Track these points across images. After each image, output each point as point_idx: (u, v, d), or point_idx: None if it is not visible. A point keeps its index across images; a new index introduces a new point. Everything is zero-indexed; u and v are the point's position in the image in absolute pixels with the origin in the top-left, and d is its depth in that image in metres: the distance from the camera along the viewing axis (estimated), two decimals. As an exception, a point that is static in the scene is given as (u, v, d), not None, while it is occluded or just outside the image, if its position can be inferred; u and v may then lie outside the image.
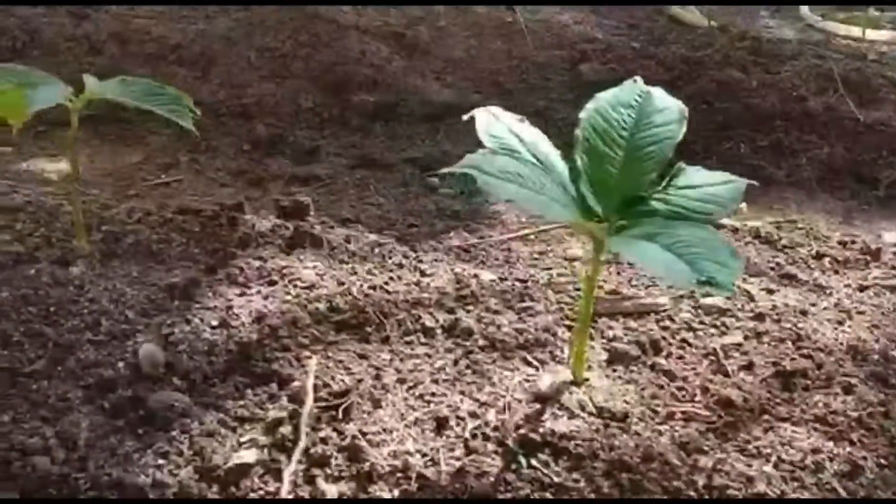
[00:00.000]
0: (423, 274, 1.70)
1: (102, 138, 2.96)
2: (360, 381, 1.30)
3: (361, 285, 1.54)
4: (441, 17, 3.40)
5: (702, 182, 1.28)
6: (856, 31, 3.77)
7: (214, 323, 1.38)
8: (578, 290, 1.70)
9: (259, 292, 1.49)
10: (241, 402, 1.26)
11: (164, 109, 1.56)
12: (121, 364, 1.29)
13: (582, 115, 1.36)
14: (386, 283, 1.57)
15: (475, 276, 1.75)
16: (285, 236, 1.66)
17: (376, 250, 1.76)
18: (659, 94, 1.39)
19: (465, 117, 1.44)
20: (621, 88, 1.42)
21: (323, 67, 3.17)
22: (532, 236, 2.34)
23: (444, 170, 1.21)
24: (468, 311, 1.54)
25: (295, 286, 1.50)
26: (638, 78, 1.45)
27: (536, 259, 2.14)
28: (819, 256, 2.15)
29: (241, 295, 1.48)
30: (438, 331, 1.47)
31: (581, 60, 3.30)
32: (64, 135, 2.97)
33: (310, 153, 2.95)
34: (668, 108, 1.34)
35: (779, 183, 2.87)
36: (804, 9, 4.46)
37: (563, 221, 1.26)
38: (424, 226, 2.38)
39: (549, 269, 1.99)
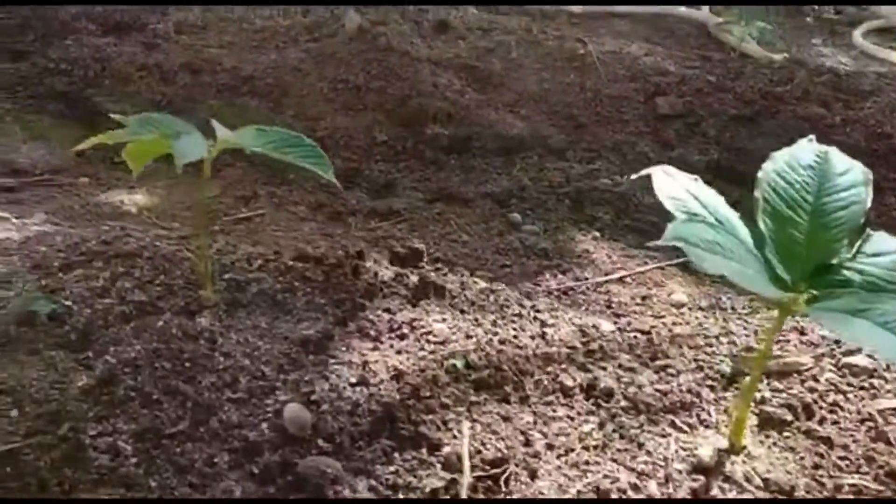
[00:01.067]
0: (543, 324, 1.65)
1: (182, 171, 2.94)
2: (510, 447, 1.25)
3: (490, 339, 1.50)
4: (512, 48, 3.37)
5: (891, 249, 1.22)
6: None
7: (353, 380, 1.33)
8: (710, 345, 1.65)
9: (392, 346, 1.44)
10: (392, 468, 1.21)
11: (304, 161, 1.52)
12: (265, 425, 1.25)
13: (760, 175, 1.30)
14: (515, 337, 1.52)
15: (594, 326, 1.70)
16: (409, 285, 1.62)
17: (491, 297, 1.71)
18: (837, 155, 1.33)
19: (633, 176, 1.40)
20: (798, 147, 1.36)
21: (396, 100, 3.15)
22: (629, 278, 2.30)
23: (652, 243, 1.14)
24: (603, 369, 1.49)
25: (428, 341, 1.45)
26: (812, 137, 1.39)
27: (641, 304, 2.08)
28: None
29: (375, 349, 1.43)
30: (577, 390, 1.42)
31: (655, 93, 3.26)
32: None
33: (386, 187, 2.92)
34: (851, 170, 1.29)
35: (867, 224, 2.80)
36: (857, 36, 4.41)
37: (757, 291, 1.19)
38: (516, 265, 2.34)
39: (662, 317, 1.93)
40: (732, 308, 2.07)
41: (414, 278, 1.65)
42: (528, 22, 3.84)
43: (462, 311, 1.60)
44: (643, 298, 2.12)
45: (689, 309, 2.05)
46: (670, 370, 1.51)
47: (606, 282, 2.25)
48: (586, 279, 2.23)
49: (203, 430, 1.24)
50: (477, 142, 3.06)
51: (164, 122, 1.52)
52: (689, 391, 1.44)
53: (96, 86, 3.25)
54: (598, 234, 2.55)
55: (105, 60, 3.32)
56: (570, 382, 1.43)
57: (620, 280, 2.27)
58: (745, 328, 1.85)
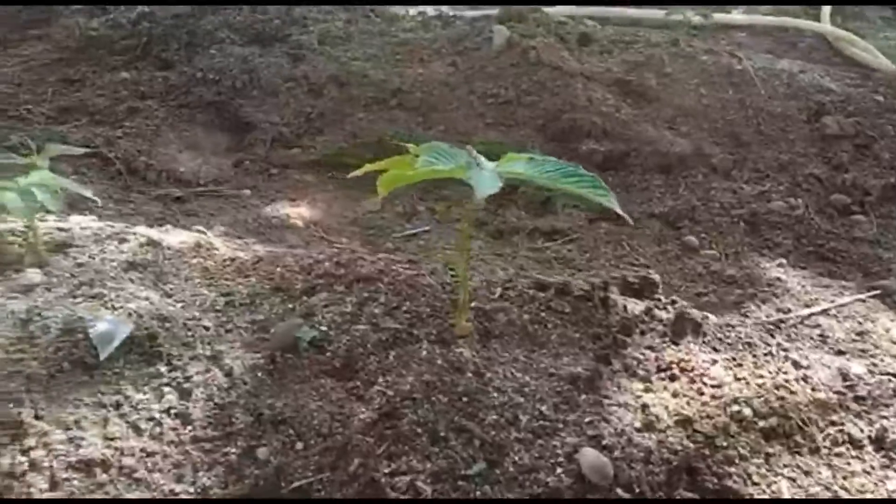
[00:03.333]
0: (797, 365, 1.54)
1: (335, 184, 2.92)
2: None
3: (764, 383, 1.40)
4: (665, 63, 3.27)
5: None
6: None
7: (638, 424, 1.26)
8: None
9: (665, 388, 1.36)
10: (702, 523, 1.13)
11: (585, 191, 1.45)
12: (559, 470, 1.18)
13: None
14: (786, 382, 1.42)
15: (846, 368, 1.58)
16: (663, 320, 1.54)
17: (732, 334, 1.61)
18: None
19: None
20: None
21: (549, 115, 3.07)
22: (833, 310, 2.17)
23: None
24: (884, 418, 1.38)
25: (704, 384, 1.36)
26: None
27: (861, 341, 1.95)
28: None
29: (647, 391, 1.35)
30: (866, 441, 1.32)
31: (820, 112, 3.11)
32: (296, 177, 2.98)
33: (543, 204, 2.84)
34: None
35: None
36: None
37: None
38: (711, 294, 2.23)
39: (900, 357, 1.80)
40: None
41: (666, 313, 1.56)
42: (669, 34, 3.72)
43: (715, 350, 1.51)
44: (859, 334, 1.98)
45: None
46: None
47: (811, 315, 2.13)
48: (788, 310, 2.11)
49: (499, 472, 1.17)
50: (635, 158, 2.96)
51: (451, 153, 1.45)
52: None
53: (244, 96, 3.26)
54: (782, 260, 2.43)
55: (252, 71, 3.33)
56: (857, 433, 1.32)
57: (825, 312, 2.15)
58: None
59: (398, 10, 3.89)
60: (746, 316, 2.04)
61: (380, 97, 3.22)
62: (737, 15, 4.91)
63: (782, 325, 2.04)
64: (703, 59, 3.32)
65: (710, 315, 1.71)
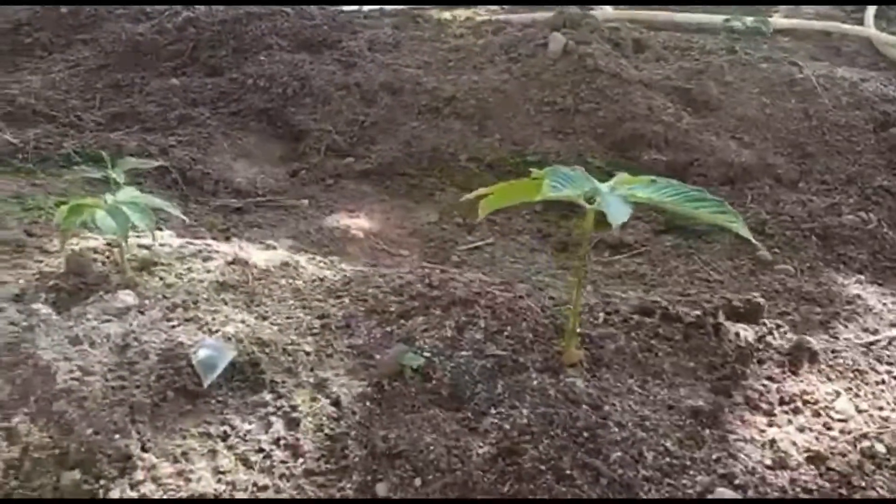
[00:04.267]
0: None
1: (391, 194, 2.87)
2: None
3: (887, 416, 1.34)
4: (725, 71, 3.20)
5: None
6: None
7: (768, 462, 1.20)
8: None
9: (790, 422, 1.30)
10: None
11: (713, 216, 1.38)
12: (697, 510, 1.13)
13: None
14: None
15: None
16: (778, 348, 1.48)
17: (839, 360, 1.55)
18: None
19: None
20: None
21: (608, 123, 3.01)
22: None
23: None
24: None
25: (830, 417, 1.31)
26: None
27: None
28: None
29: (772, 425, 1.30)
30: None
31: (887, 123, 3.03)
32: (352, 187, 2.93)
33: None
34: None
35: None
36: None
37: None
38: (793, 313, 2.16)
39: None
40: None
41: (781, 340, 1.50)
42: (723, 40, 3.66)
43: (829, 378, 1.45)
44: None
45: None
46: None
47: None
48: (876, 331, 2.04)
49: (633, 513, 1.12)
50: (698, 168, 2.89)
51: (573, 177, 1.40)
52: None
53: (296, 104, 3.21)
54: (860, 276, 2.36)
55: (303, 78, 3.29)
56: None
57: (917, 333, 2.08)
58: None
59: (446, 15, 3.84)
60: (836, 337, 1.97)
61: (433, 105, 3.17)
62: (783, 19, 4.84)
63: (874, 347, 1.97)
64: (762, 67, 3.25)
65: (811, 339, 1.64)
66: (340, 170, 2.94)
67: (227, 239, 2.21)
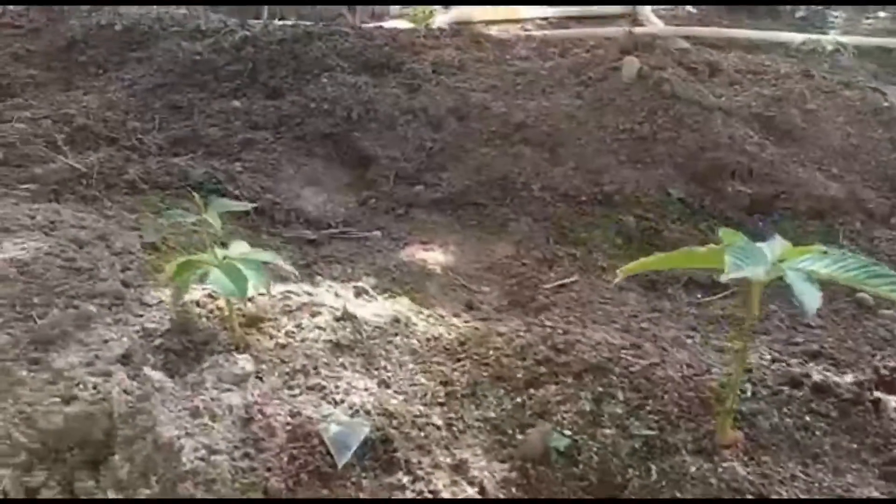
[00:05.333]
0: None
1: (463, 224, 2.77)
2: None
3: None
4: (807, 99, 3.08)
5: None
6: None
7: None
8: None
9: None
10: None
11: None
12: None
13: None
14: None
15: None
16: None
17: None
18: None
19: None
20: None
21: (689, 153, 2.90)
22: None
23: None
24: None
25: None
26: None
27: None
28: None
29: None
30: None
31: (980, 154, 2.91)
32: (423, 217, 2.84)
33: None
34: None
35: None
36: None
37: None
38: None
39: None
40: None
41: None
42: (797, 64, 3.54)
43: None
44: None
45: None
46: None
47: None
48: None
49: None
50: (785, 202, 2.78)
51: (750, 251, 1.27)
52: None
53: (361, 129, 3.12)
54: (971, 323, 2.23)
55: (367, 102, 3.20)
56: None
57: None
58: None
59: (508, 36, 3.75)
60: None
61: (502, 131, 3.07)
62: (843, 37, 4.71)
63: None
64: (845, 95, 3.13)
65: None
66: (410, 199, 2.84)
67: (311, 277, 2.13)
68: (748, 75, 3.37)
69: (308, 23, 3.75)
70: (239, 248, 1.45)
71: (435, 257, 2.53)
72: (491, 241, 2.71)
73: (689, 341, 1.95)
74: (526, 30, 4.94)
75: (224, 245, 1.53)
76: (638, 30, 3.47)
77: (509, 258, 2.58)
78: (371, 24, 3.77)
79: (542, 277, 2.45)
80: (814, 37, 4.15)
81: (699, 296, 2.42)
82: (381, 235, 2.63)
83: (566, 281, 2.43)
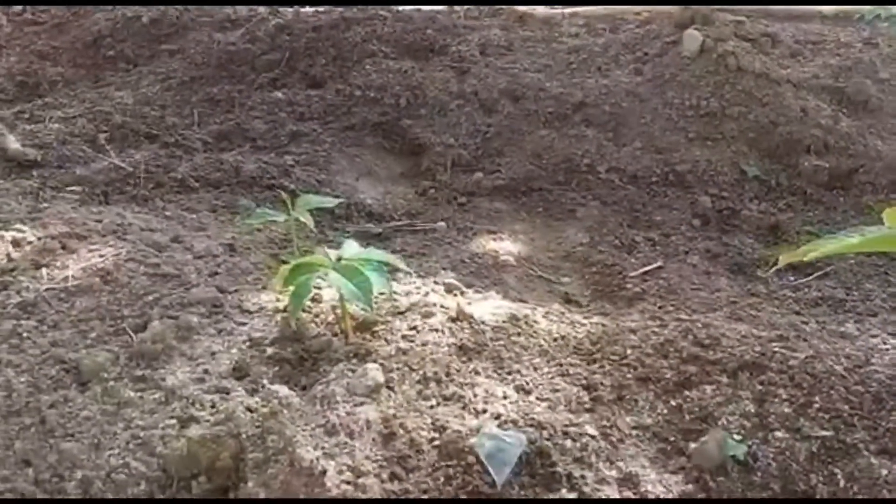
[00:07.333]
0: None
1: (529, 211, 2.64)
2: None
3: None
4: (879, 68, 2.94)
5: None
6: None
7: None
8: None
9: None
10: None
11: None
12: None
13: None
14: None
15: None
16: None
17: None
18: None
19: None
20: None
21: (760, 128, 2.77)
22: None
23: None
24: None
25: None
26: None
27: None
28: None
29: None
30: None
31: None
32: (486, 205, 2.71)
33: (772, 230, 2.54)
34: None
35: None
36: None
37: None
38: None
39: None
40: None
41: None
42: (856, 32, 3.40)
43: None
44: None
45: None
46: None
47: None
48: None
49: None
50: (864, 176, 2.65)
51: None
52: None
53: (411, 115, 2.99)
54: None
55: (416, 88, 3.06)
56: None
57: None
58: None
59: (552, 13, 3.60)
60: None
61: (561, 112, 2.93)
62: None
63: None
64: (918, 61, 3.00)
65: None
66: (471, 187, 2.72)
67: (392, 273, 2.01)
68: (808, 45, 3.23)
69: (341, 8, 3.59)
70: (351, 248, 1.33)
71: (506, 247, 2.41)
72: (560, 227, 2.58)
73: (806, 328, 1.83)
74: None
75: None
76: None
77: (584, 246, 2.46)
78: (408, 8, 3.61)
79: (623, 265, 2.32)
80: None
81: (791, 279, 2.29)
82: (447, 227, 2.50)
83: (650, 267, 2.30)
